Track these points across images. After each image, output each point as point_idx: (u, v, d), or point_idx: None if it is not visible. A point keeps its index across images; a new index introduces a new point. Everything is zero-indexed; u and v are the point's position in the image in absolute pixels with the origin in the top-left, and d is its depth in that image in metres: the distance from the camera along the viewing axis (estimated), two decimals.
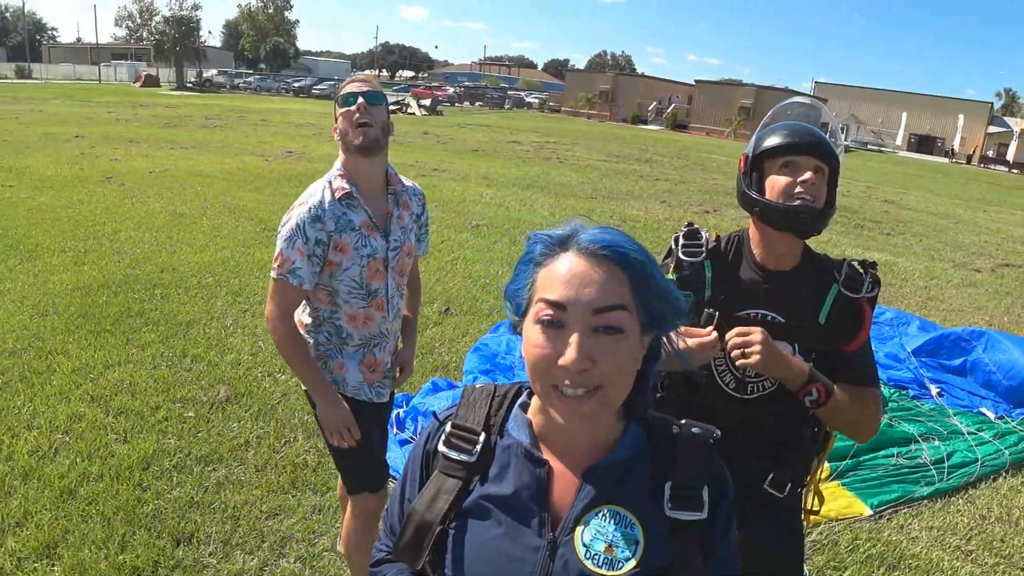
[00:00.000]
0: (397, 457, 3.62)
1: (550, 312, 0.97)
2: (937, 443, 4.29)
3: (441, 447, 1.11)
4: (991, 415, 4.75)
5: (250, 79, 57.59)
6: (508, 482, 1.07)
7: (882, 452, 4.14)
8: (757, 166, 1.84)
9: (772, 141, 1.80)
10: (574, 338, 0.95)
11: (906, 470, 4.02)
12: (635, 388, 1.07)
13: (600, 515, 1.04)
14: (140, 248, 7.23)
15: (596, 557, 1.01)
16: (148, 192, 10.12)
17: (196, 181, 11.24)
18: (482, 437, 1.10)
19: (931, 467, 4.06)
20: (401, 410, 4.07)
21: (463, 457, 1.09)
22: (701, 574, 1.05)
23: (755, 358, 1.70)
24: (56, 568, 2.75)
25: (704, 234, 1.92)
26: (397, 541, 1.12)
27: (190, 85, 52.89)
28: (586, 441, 1.07)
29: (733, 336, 1.74)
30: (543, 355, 0.97)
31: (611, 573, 1.01)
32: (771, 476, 1.91)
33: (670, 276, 1.88)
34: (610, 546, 1.02)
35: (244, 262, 7.00)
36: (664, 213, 12.20)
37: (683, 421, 1.12)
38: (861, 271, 1.88)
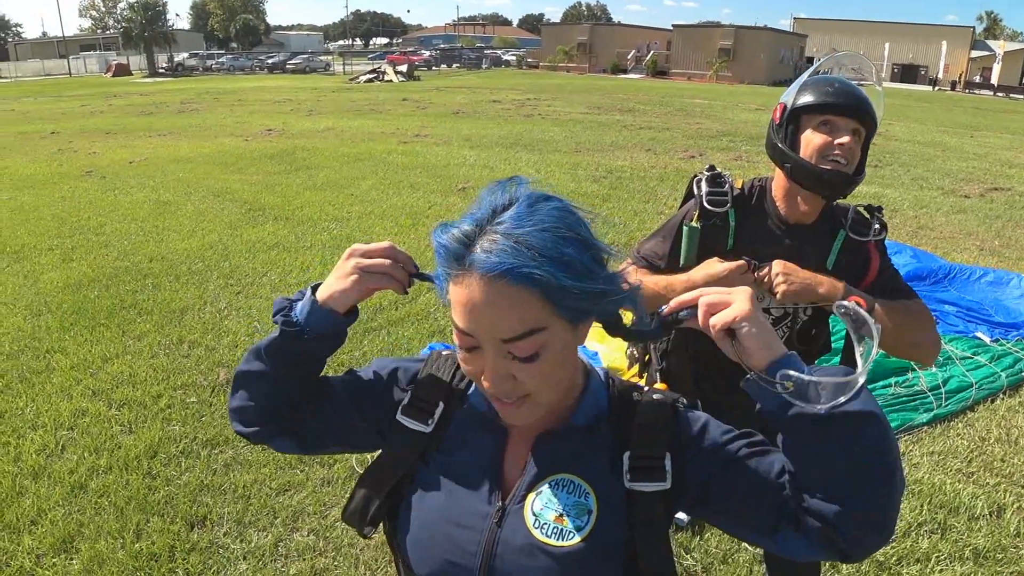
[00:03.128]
0: None
1: (463, 338, 0.92)
2: (934, 370, 4.34)
3: (399, 416, 1.08)
4: (986, 339, 4.80)
5: (222, 59, 56.63)
6: (463, 449, 1.06)
7: (880, 382, 4.19)
8: (794, 119, 1.80)
9: (813, 97, 1.76)
10: (488, 364, 0.91)
11: (904, 398, 4.07)
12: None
13: (553, 484, 1.01)
14: (127, 240, 7.19)
15: (545, 527, 0.98)
16: (130, 183, 10.02)
17: (177, 167, 11.13)
18: (440, 408, 1.07)
19: (929, 394, 4.10)
20: None
21: (419, 427, 1.07)
22: (660, 544, 1.00)
23: (796, 284, 1.69)
24: (75, 562, 2.78)
25: (727, 179, 1.89)
26: (345, 506, 1.10)
27: (162, 71, 52.06)
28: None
29: (776, 266, 1.71)
30: (468, 371, 0.96)
31: (558, 543, 0.97)
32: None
33: (694, 224, 1.85)
34: (561, 515, 0.99)
35: (233, 244, 6.97)
36: (650, 161, 12.14)
37: (645, 388, 1.08)
38: (867, 215, 1.88)
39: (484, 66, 56.88)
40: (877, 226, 1.86)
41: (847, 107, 1.73)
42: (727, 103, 26.30)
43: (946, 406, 4.03)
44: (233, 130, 15.77)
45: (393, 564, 2.73)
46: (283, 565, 2.79)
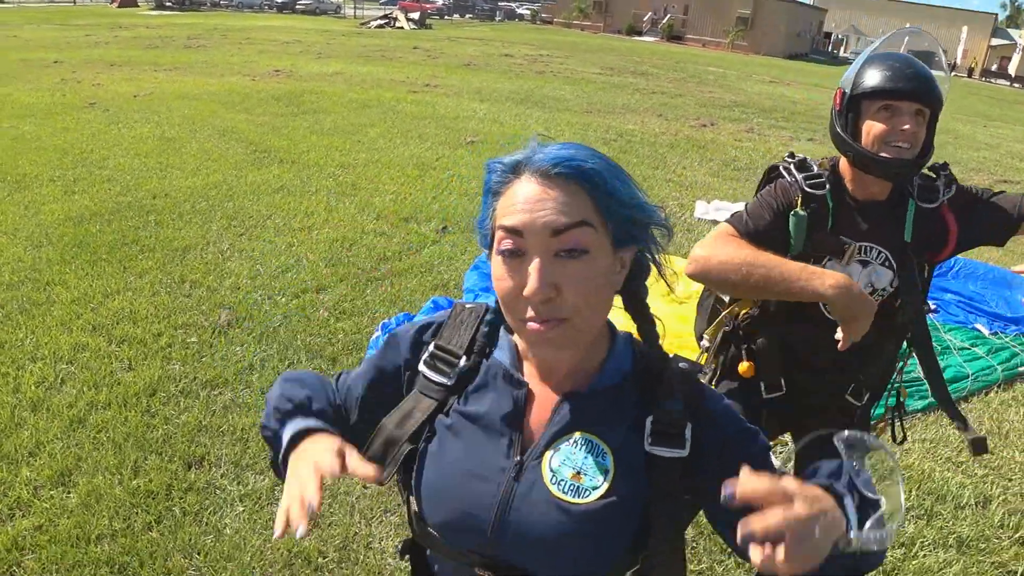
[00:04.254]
0: None
1: (509, 240, 0.92)
2: None
3: (421, 367, 1.08)
4: (986, 331, 4.81)
5: None
6: (484, 402, 1.04)
7: None
8: (854, 106, 1.77)
9: (872, 82, 1.73)
10: (534, 265, 0.90)
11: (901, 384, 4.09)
12: (633, 308, 1.07)
13: (572, 441, 1.00)
14: (130, 175, 7.13)
15: (562, 483, 0.98)
16: (134, 117, 9.91)
17: (183, 104, 10.99)
18: (463, 361, 1.06)
19: (923, 382, 4.11)
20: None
21: (441, 379, 1.06)
22: (685, 511, 1.02)
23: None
24: (72, 495, 2.81)
25: (812, 162, 1.88)
26: (364, 452, 1.05)
27: (170, 4, 51.05)
28: (568, 365, 1.02)
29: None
30: (506, 288, 0.93)
31: (575, 500, 0.97)
32: (852, 386, 2.00)
33: (800, 210, 1.81)
34: (578, 473, 0.98)
35: (237, 185, 6.92)
36: (660, 127, 12.03)
37: (672, 355, 1.06)
38: (934, 175, 1.87)
39: (498, 18, 56.09)
40: (942, 186, 1.84)
41: (907, 91, 1.70)
42: (741, 73, 26.01)
43: None
44: (240, 69, 15.55)
45: (387, 514, 2.77)
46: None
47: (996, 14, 64.78)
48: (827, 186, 1.83)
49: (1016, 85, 47.86)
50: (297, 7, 51.02)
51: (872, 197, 1.84)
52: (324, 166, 7.85)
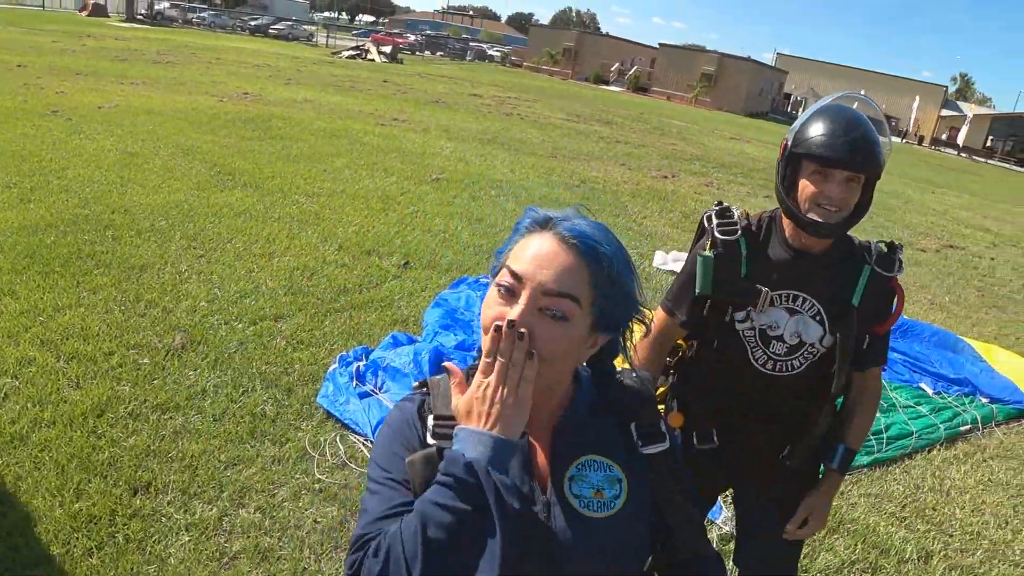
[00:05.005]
0: (357, 410, 3.64)
1: (509, 280, 1.03)
2: (878, 415, 4.46)
3: (431, 440, 1.07)
4: (929, 391, 4.95)
5: (204, 15, 55.42)
6: None
7: None
8: (794, 160, 1.81)
9: (809, 144, 1.76)
10: (519, 307, 1.01)
11: None
12: (599, 385, 1.18)
13: (581, 467, 1.12)
14: (90, 187, 7.00)
15: (589, 504, 1.09)
16: (97, 128, 9.77)
17: (148, 119, 10.87)
18: None
19: (871, 438, 4.22)
20: (361, 363, 4.07)
21: (447, 446, 1.06)
22: (677, 497, 1.16)
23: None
24: (8, 517, 2.70)
25: (735, 211, 1.93)
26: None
27: (140, 17, 50.69)
28: (544, 403, 1.11)
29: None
30: (490, 314, 1.03)
31: (606, 513, 1.09)
32: (788, 447, 1.99)
33: (707, 252, 1.88)
34: (598, 490, 1.10)
35: (199, 206, 6.84)
36: (623, 176, 12.25)
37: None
38: (889, 252, 1.90)
39: (468, 58, 56.71)
40: (898, 261, 1.88)
41: (840, 160, 1.72)
42: (703, 128, 26.65)
43: (886, 451, 4.15)
44: (209, 88, 15.46)
45: (337, 550, 2.72)
46: (226, 540, 2.75)
47: (947, 87, 67.71)
48: (738, 232, 1.87)
49: (963, 155, 49.85)
50: (270, 31, 51.08)
51: (807, 248, 1.86)
52: (288, 193, 7.81)
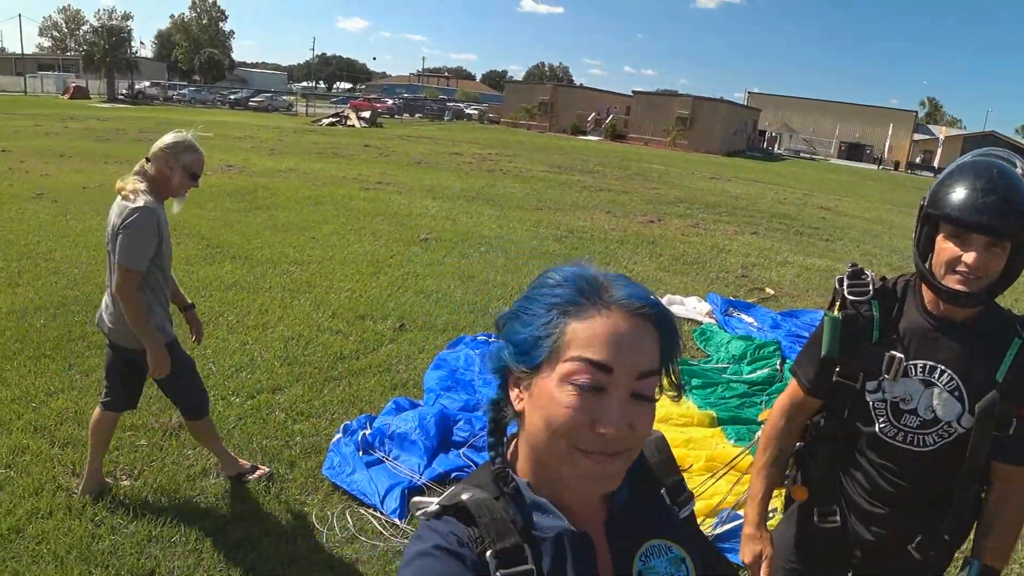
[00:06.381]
0: (364, 480, 3.57)
1: (589, 375, 0.88)
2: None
3: (499, 573, 0.92)
4: None
5: (184, 91, 56.26)
6: (563, 569, 0.97)
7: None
8: (931, 220, 1.69)
9: (943, 205, 1.62)
10: (617, 404, 0.88)
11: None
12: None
13: (642, 557, 1.02)
14: (78, 268, 6.96)
15: None
16: (83, 208, 9.76)
17: None
18: (526, 547, 0.95)
19: None
20: (366, 431, 3.99)
21: (524, 569, 0.94)
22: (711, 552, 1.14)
23: None
24: None
25: (870, 274, 1.81)
26: None
27: (121, 97, 51.38)
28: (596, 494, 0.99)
29: None
30: (576, 420, 0.88)
31: None
32: (919, 538, 1.79)
33: (836, 313, 1.78)
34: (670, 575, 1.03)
35: (188, 281, 6.79)
36: (610, 223, 12.32)
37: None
38: None
39: (447, 118, 57.50)
40: None
41: (977, 225, 1.56)
42: (683, 170, 26.98)
43: None
44: None
45: None
46: None
47: (916, 112, 69.26)
48: (870, 293, 1.77)
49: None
50: (250, 104, 51.76)
51: (948, 317, 1.70)
52: (278, 262, 7.79)
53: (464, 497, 0.97)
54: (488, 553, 0.93)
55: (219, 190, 12.06)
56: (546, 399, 0.91)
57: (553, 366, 0.90)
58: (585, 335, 0.89)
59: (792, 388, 1.93)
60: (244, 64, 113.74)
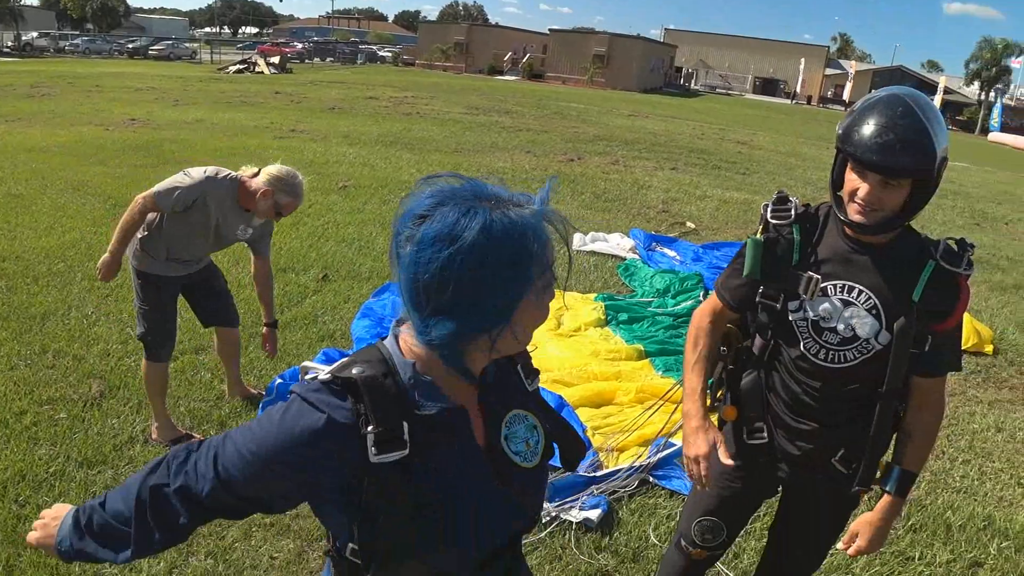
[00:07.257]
0: None
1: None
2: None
3: (374, 458, 1.04)
4: None
5: (77, 41, 52.83)
6: (443, 448, 1.11)
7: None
8: (839, 155, 1.79)
9: (847, 142, 1.71)
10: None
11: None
12: None
13: (507, 424, 1.21)
14: None
15: (526, 456, 1.21)
16: None
17: (30, 157, 10.27)
18: (405, 426, 1.06)
19: None
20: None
21: (399, 454, 1.05)
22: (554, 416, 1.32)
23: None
24: None
25: (793, 200, 1.89)
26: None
27: (7, 50, 48.00)
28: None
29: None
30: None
31: (536, 463, 1.22)
32: (841, 451, 1.89)
33: (757, 237, 1.86)
34: (527, 441, 1.22)
35: (97, 243, 6.48)
36: (530, 163, 12.30)
37: None
38: (958, 249, 1.77)
39: (359, 61, 55.80)
40: (967, 258, 1.75)
41: (872, 163, 1.65)
42: (602, 108, 27.03)
43: None
44: (92, 118, 14.72)
45: None
46: None
47: (828, 47, 70.76)
48: (791, 218, 1.85)
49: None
50: (150, 52, 49.16)
51: (866, 241, 1.78)
52: None
53: (354, 372, 1.07)
54: (369, 428, 1.04)
55: (123, 145, 11.49)
56: (534, 313, 1.15)
57: (530, 298, 1.16)
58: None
59: (713, 299, 2.02)
60: (141, 10, 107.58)
